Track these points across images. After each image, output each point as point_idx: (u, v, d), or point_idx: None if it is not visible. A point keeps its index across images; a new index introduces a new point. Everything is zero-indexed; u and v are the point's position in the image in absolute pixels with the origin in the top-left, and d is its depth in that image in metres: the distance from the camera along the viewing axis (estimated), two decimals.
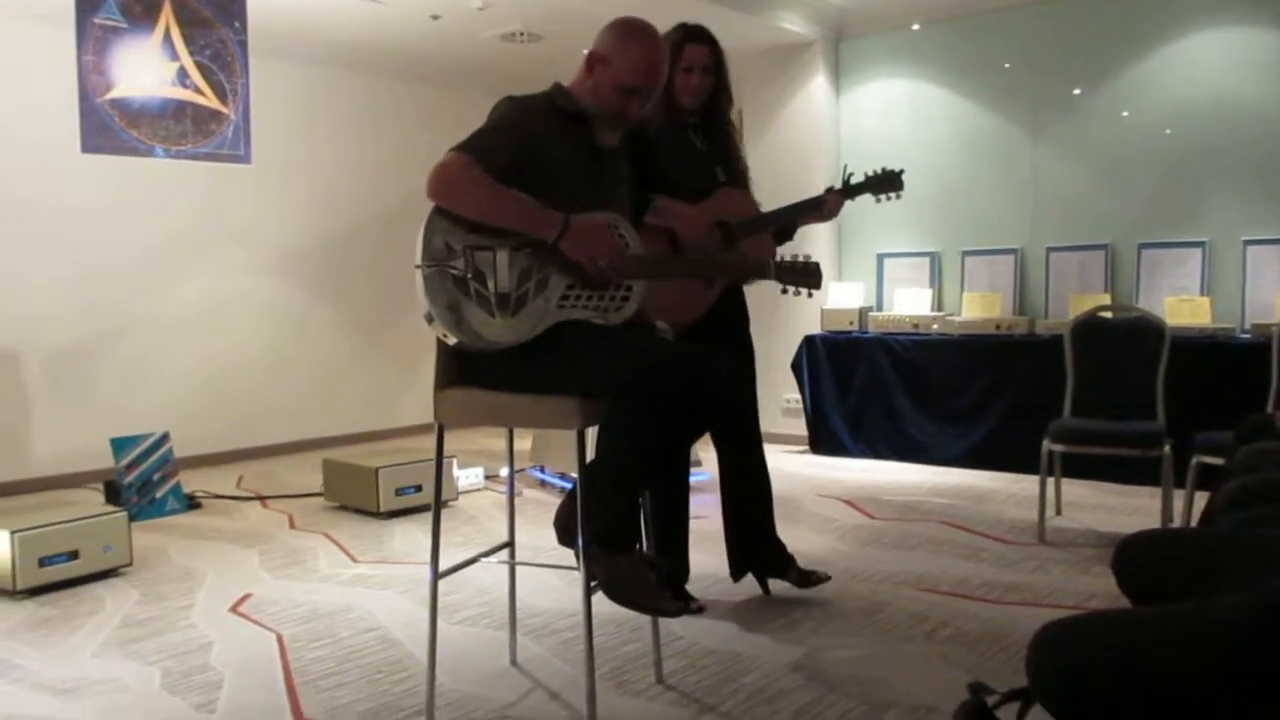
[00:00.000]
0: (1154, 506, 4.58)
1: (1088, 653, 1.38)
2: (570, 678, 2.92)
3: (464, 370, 2.52)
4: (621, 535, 2.38)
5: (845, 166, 3.68)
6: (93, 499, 5.31)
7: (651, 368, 2.30)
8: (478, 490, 5.57)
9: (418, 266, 2.34)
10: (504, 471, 5.88)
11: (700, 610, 3.45)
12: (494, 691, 2.84)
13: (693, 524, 4.67)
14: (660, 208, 2.98)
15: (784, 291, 2.91)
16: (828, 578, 3.61)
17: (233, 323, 6.82)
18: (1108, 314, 4.79)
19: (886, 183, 3.62)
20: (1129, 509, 4.86)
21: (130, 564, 4.11)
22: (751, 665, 2.99)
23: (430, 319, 2.35)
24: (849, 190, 3.57)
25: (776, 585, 3.65)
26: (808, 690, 2.80)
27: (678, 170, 3.24)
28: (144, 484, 5.15)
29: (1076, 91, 6.00)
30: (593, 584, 2.39)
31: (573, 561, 2.52)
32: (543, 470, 5.69)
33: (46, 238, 5.92)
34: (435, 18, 6.08)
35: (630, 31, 2.50)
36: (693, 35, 3.30)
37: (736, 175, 3.46)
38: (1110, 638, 1.41)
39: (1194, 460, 3.97)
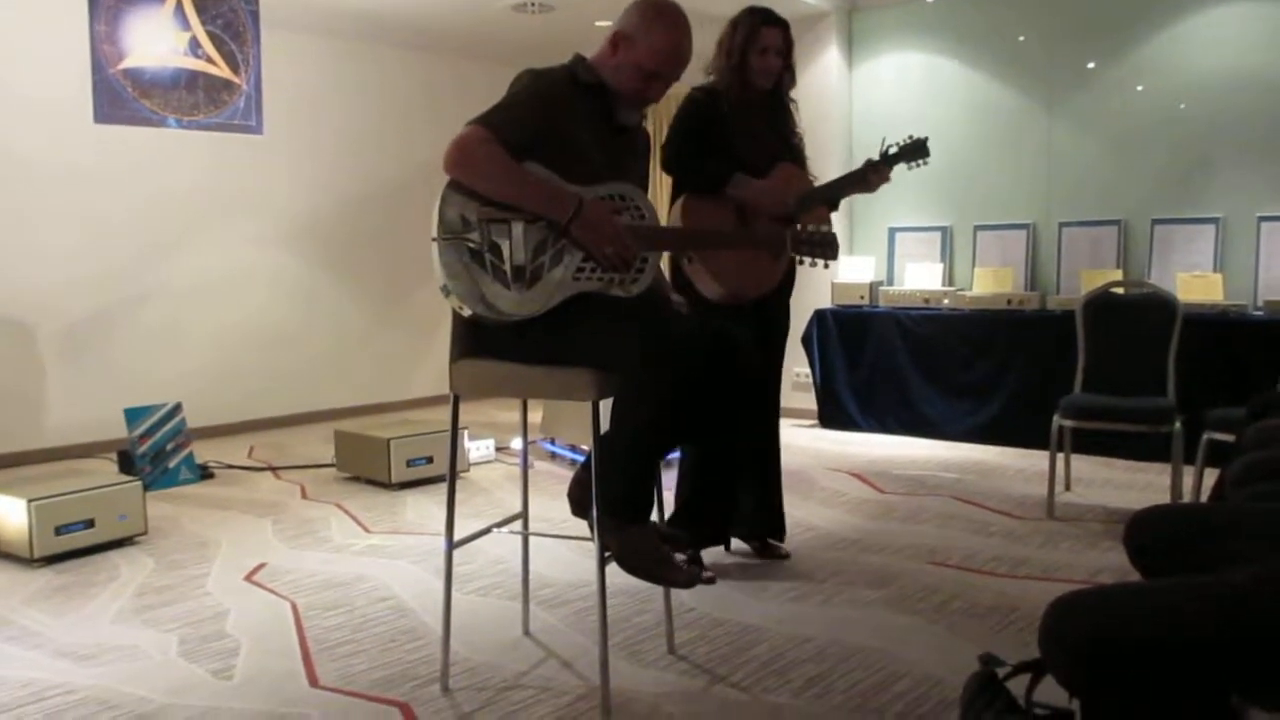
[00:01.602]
0: (1163, 483, 4.60)
1: (1101, 625, 1.40)
2: (583, 647, 2.95)
3: (479, 341, 2.53)
4: (635, 507, 2.40)
5: (884, 139, 3.75)
6: (106, 469, 5.35)
7: (667, 341, 2.31)
8: (489, 462, 5.59)
9: (434, 239, 2.35)
10: (515, 443, 5.92)
11: (711, 580, 3.46)
12: (507, 660, 2.87)
13: None
14: (738, 180, 3.31)
15: (800, 263, 2.96)
16: (787, 555, 3.71)
17: (245, 293, 6.83)
18: (1120, 290, 4.78)
19: (915, 150, 3.71)
20: (1139, 485, 4.87)
21: (145, 533, 4.15)
22: (762, 636, 3.02)
23: (446, 291, 2.36)
24: (887, 160, 3.65)
25: (795, 555, 3.74)
26: (818, 662, 2.83)
27: (748, 145, 3.41)
28: (157, 454, 5.19)
29: (1091, 65, 5.96)
30: (606, 555, 2.41)
31: (586, 533, 2.54)
32: (553, 442, 5.71)
33: (60, 208, 5.93)
34: None
35: (658, 15, 2.48)
36: (768, 19, 3.43)
37: (795, 151, 3.59)
38: (1124, 610, 1.43)
39: (1204, 437, 3.98)
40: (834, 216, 3.65)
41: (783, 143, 3.55)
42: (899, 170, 3.70)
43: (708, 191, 3.35)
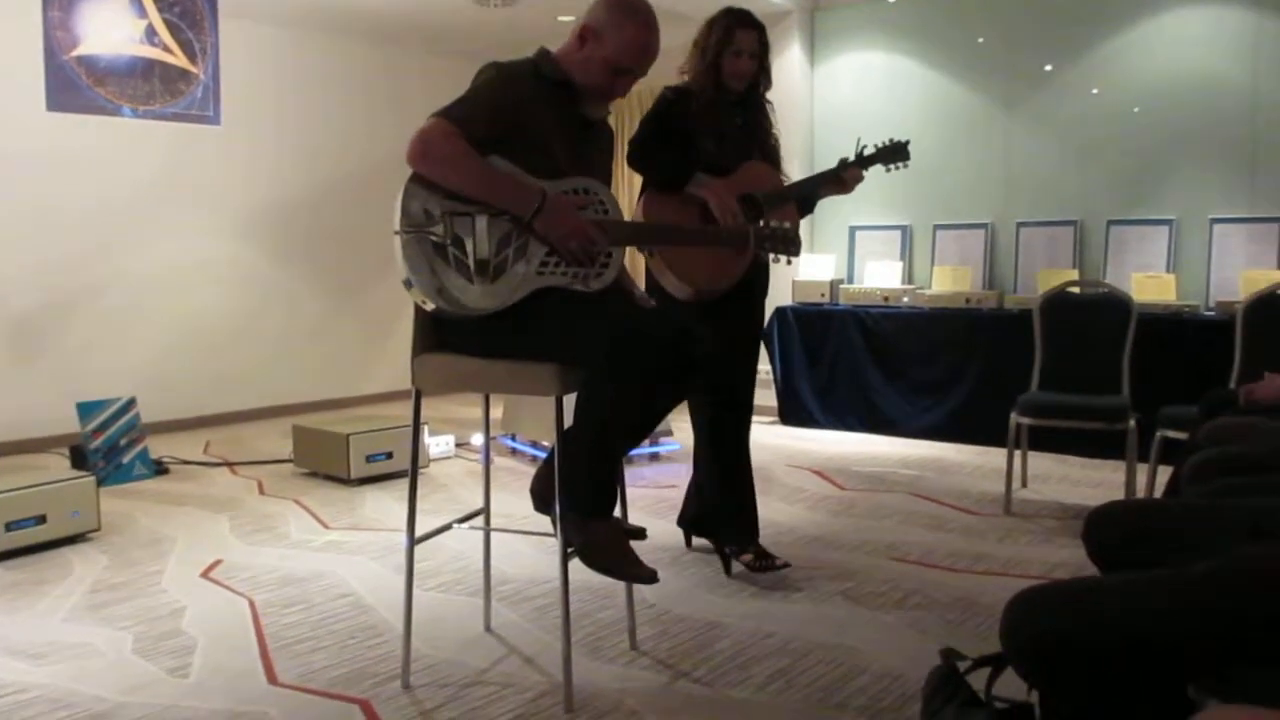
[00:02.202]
0: (1118, 480, 4.66)
1: (1062, 618, 1.42)
2: (545, 643, 2.94)
3: (442, 336, 2.51)
4: (598, 502, 2.40)
5: (859, 139, 3.76)
6: (59, 464, 5.25)
7: (630, 335, 2.30)
8: (448, 458, 5.56)
9: (396, 232, 2.33)
10: (475, 439, 5.89)
11: (785, 565, 3.49)
12: (469, 657, 2.86)
13: (661, 493, 4.72)
14: (697, 179, 3.28)
15: (760, 257, 2.96)
16: (787, 564, 3.51)
17: (201, 286, 6.74)
18: (1076, 289, 4.85)
19: (895, 153, 3.73)
20: (1093, 481, 4.94)
21: (99, 529, 4.08)
22: (724, 632, 3.02)
23: (409, 285, 2.34)
24: (862, 161, 3.66)
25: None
26: (780, 657, 2.84)
27: (716, 145, 3.40)
28: (111, 449, 5.10)
29: (1048, 68, 6.03)
30: (569, 550, 2.40)
31: (549, 528, 2.54)
32: (514, 439, 5.69)
33: (11, 197, 5.80)
34: None
35: (627, 10, 2.48)
36: (743, 20, 3.42)
37: (769, 151, 3.57)
38: (1084, 604, 1.45)
39: (1158, 434, 4.05)
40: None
41: (756, 144, 3.53)
42: (893, 168, 3.74)
43: (669, 189, 3.35)
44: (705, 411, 3.60)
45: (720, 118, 3.44)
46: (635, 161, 3.43)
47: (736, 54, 3.39)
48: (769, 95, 3.61)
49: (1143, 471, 4.20)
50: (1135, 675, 1.39)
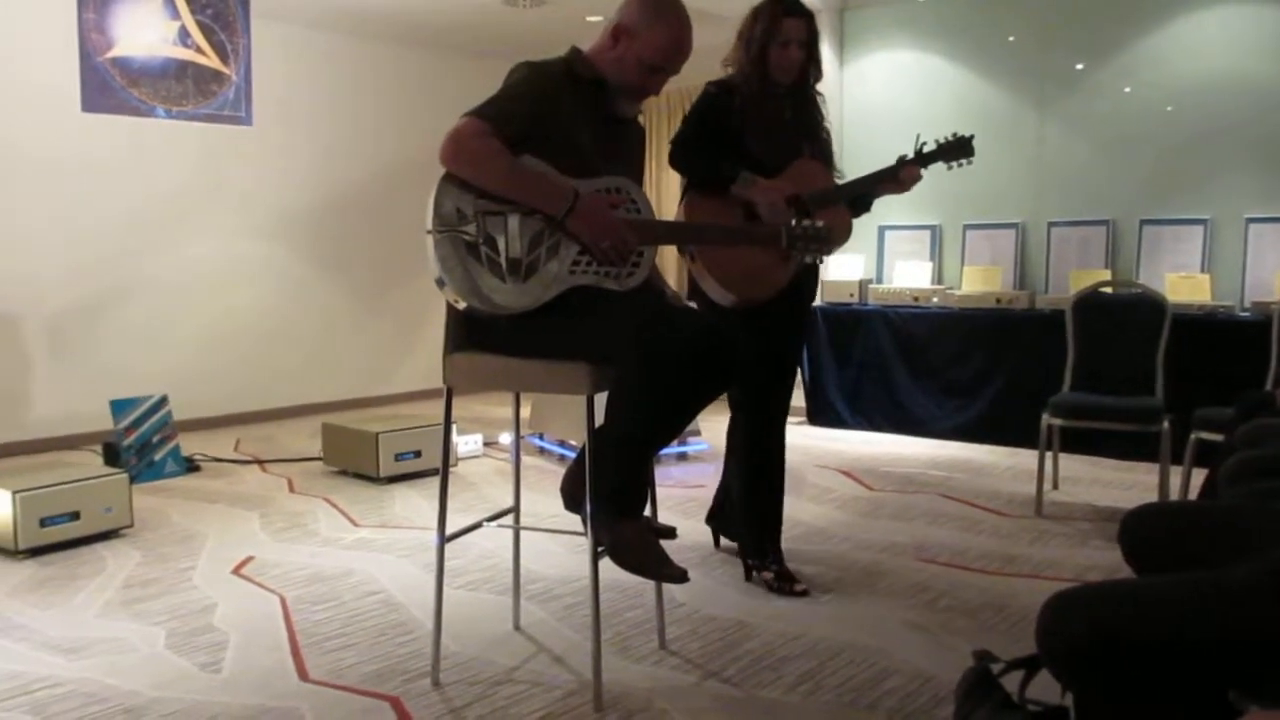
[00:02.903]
0: (1151, 482, 4.62)
1: (1099, 621, 1.40)
2: (573, 642, 2.94)
3: (474, 335, 2.52)
4: (628, 501, 2.40)
5: (918, 136, 3.58)
6: (92, 460, 5.31)
7: (662, 334, 2.30)
8: (476, 457, 5.58)
9: (429, 231, 2.34)
10: (503, 438, 5.91)
11: (804, 593, 3.33)
12: (498, 655, 2.86)
13: (690, 492, 4.72)
14: (743, 179, 3.12)
15: (791, 257, 2.87)
16: (806, 591, 3.35)
17: (233, 286, 6.80)
18: (1109, 290, 4.80)
19: (958, 149, 3.53)
20: (1126, 484, 4.89)
21: (131, 525, 4.12)
22: (753, 632, 3.01)
23: (441, 284, 2.35)
24: (921, 159, 3.48)
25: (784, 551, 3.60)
26: (809, 658, 2.83)
27: (763, 143, 3.24)
28: (143, 446, 5.15)
29: (1080, 67, 5.98)
30: (599, 549, 2.40)
31: (578, 527, 2.54)
32: (542, 437, 5.70)
33: (46, 197, 5.88)
34: None
35: (660, 9, 2.48)
36: (791, 8, 3.25)
37: (821, 145, 3.41)
38: (1122, 606, 1.43)
39: (1192, 436, 4.00)
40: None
41: (806, 139, 3.35)
42: (955, 165, 3.54)
43: (713, 190, 3.19)
44: (737, 418, 3.50)
45: (767, 113, 3.28)
46: (676, 161, 3.29)
47: (784, 44, 3.21)
48: (819, 88, 3.41)
49: (1176, 474, 4.15)
50: (1173, 679, 1.37)
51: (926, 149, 3.50)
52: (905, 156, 3.46)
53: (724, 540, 3.79)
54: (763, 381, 3.41)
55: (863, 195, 3.47)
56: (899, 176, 3.42)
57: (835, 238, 3.26)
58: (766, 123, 3.27)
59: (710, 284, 3.17)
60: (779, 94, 3.30)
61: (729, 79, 3.32)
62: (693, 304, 3.13)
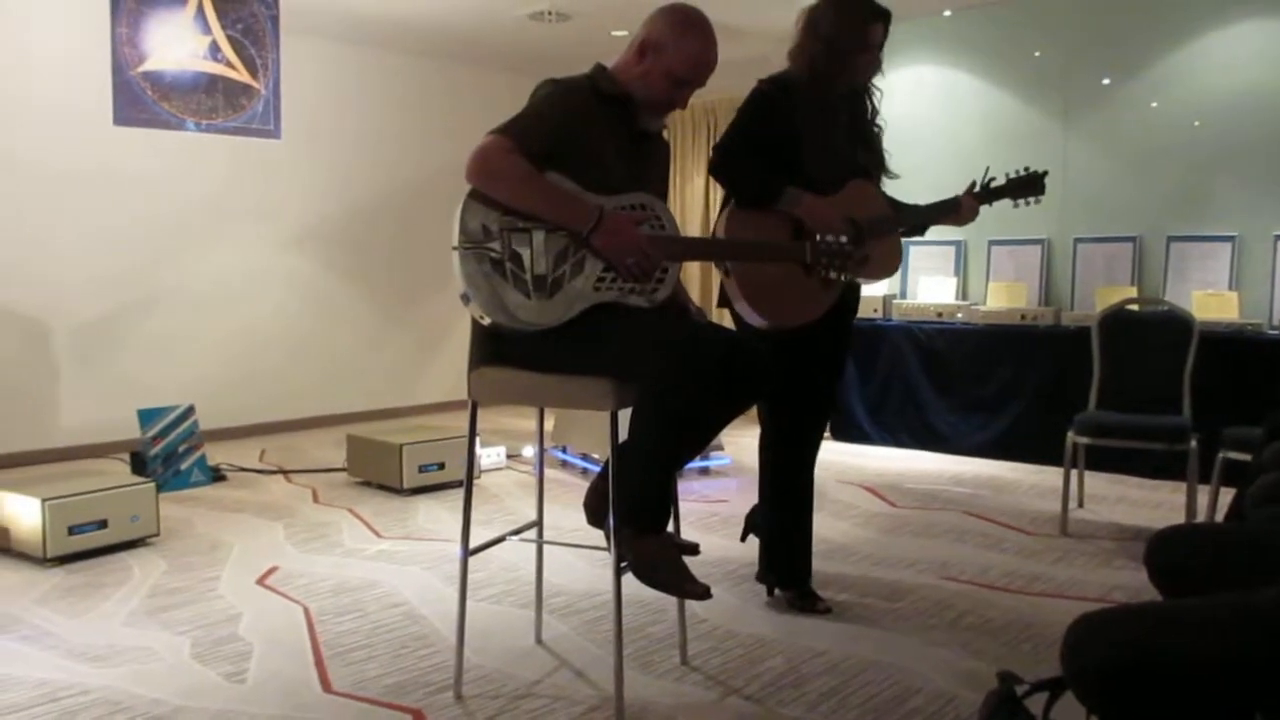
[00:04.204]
0: (1178, 501, 4.58)
1: (1126, 643, 1.40)
2: (595, 656, 2.95)
3: (498, 350, 2.53)
4: (652, 517, 2.40)
5: (987, 169, 3.41)
6: (119, 469, 5.36)
7: (686, 350, 2.30)
8: (499, 469, 5.59)
9: (454, 248, 2.36)
10: (526, 451, 5.92)
11: (827, 611, 3.29)
12: (520, 669, 2.87)
13: (713, 508, 4.71)
14: (790, 195, 2.96)
15: (821, 275, 2.75)
16: (828, 609, 3.31)
17: (259, 297, 6.86)
18: (1135, 307, 4.77)
19: (1028, 185, 3.37)
20: (1152, 503, 4.85)
21: (158, 534, 4.15)
22: (775, 649, 3.01)
23: (467, 299, 2.36)
24: (987, 195, 3.34)
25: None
26: (832, 676, 2.82)
27: (819, 156, 3.04)
28: (169, 455, 5.20)
29: (1106, 81, 5.96)
30: (622, 565, 2.40)
31: (601, 541, 2.54)
32: (565, 451, 5.71)
33: (78, 209, 5.96)
34: None
35: (687, 23, 2.49)
36: (880, 13, 3.07)
37: (876, 157, 3.24)
38: (1149, 629, 1.42)
39: (1220, 455, 3.97)
40: None
41: (862, 145, 3.18)
42: (1023, 203, 3.37)
43: (757, 204, 2.98)
44: (767, 438, 3.34)
45: (825, 120, 3.07)
46: (720, 170, 3.06)
47: (867, 49, 3.04)
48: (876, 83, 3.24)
49: (1204, 493, 4.12)
50: (1200, 703, 1.36)
51: (995, 184, 3.33)
52: (973, 187, 3.32)
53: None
54: (794, 414, 3.27)
55: (919, 225, 3.35)
56: (959, 210, 3.31)
57: (885, 268, 3.23)
58: (824, 132, 3.07)
59: (741, 305, 2.98)
60: (837, 95, 3.12)
61: (787, 76, 3.09)
62: (726, 319, 3.07)
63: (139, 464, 5.20)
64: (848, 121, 3.17)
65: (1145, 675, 1.35)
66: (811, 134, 3.04)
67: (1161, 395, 4.39)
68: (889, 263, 3.24)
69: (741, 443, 5.82)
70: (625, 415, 2.40)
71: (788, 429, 3.30)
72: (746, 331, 3.06)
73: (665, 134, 2.78)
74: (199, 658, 2.96)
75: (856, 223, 3.04)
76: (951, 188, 3.54)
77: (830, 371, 3.33)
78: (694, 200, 8.06)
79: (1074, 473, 4.52)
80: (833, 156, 3.09)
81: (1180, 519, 4.29)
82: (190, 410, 5.34)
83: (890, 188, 3.35)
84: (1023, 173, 3.39)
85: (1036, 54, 6.20)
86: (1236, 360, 5.01)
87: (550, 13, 6.47)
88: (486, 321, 2.41)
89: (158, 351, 6.33)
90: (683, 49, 2.47)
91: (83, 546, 3.91)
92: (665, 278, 2.49)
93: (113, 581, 3.68)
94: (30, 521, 3.85)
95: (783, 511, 3.35)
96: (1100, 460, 5.00)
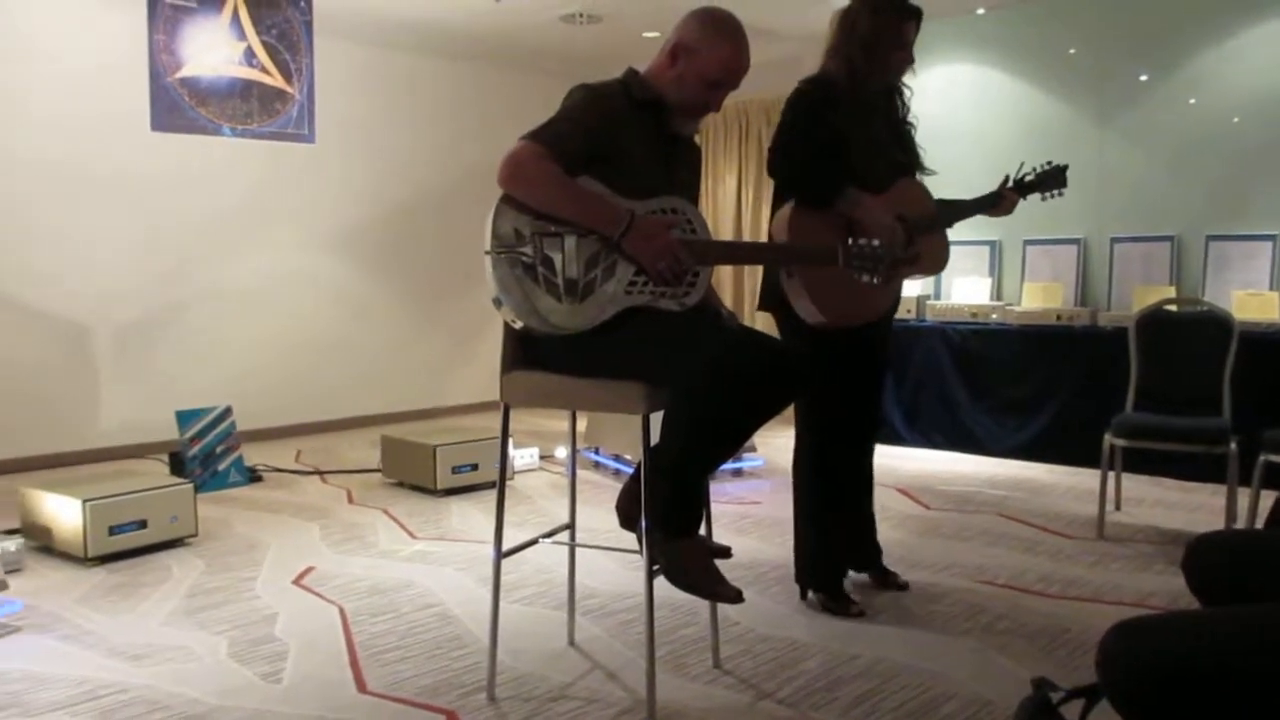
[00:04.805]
0: (1217, 504, 4.52)
1: (1163, 652, 1.38)
2: (628, 659, 2.95)
3: (530, 353, 2.54)
4: (683, 521, 2.40)
5: (1021, 164, 3.58)
6: (158, 470, 5.43)
7: (717, 354, 2.30)
8: (532, 470, 5.61)
9: (486, 252, 2.37)
10: (559, 452, 5.94)
11: (860, 614, 3.30)
12: (553, 671, 2.88)
13: (746, 509, 4.70)
14: (851, 195, 3.02)
15: (854, 278, 2.76)
16: (862, 612, 3.31)
17: (295, 299, 6.93)
18: (1173, 307, 4.71)
19: (1054, 179, 3.55)
20: (1191, 506, 4.79)
21: (196, 534, 4.21)
22: (808, 653, 3.00)
23: (499, 303, 2.38)
24: (1022, 188, 3.49)
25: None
26: (865, 680, 2.81)
27: (864, 156, 3.11)
28: (207, 456, 5.26)
29: (1143, 78, 5.89)
30: (654, 568, 2.41)
31: (633, 545, 2.54)
32: (597, 452, 5.72)
33: (116, 214, 6.05)
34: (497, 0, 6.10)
35: (719, 26, 2.51)
36: (911, 12, 3.16)
37: (910, 155, 3.32)
38: (1186, 638, 1.40)
39: (1261, 458, 3.91)
40: None
41: (898, 145, 3.27)
42: (1049, 196, 3.53)
43: (822, 203, 3.03)
44: (807, 441, 3.34)
45: (869, 120, 3.16)
46: (780, 170, 3.10)
47: (902, 47, 3.13)
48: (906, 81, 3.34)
49: (1244, 496, 4.06)
50: (1237, 715, 1.34)
51: (1028, 178, 3.50)
52: (1007, 181, 3.47)
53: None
54: (842, 406, 3.30)
55: (958, 220, 3.43)
56: (999, 204, 3.45)
57: (935, 264, 3.37)
58: (867, 131, 3.14)
59: (804, 303, 3.01)
60: (876, 95, 3.20)
61: (826, 76, 3.15)
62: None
63: (178, 465, 5.26)
64: (884, 119, 3.24)
65: (1182, 686, 1.33)
66: (856, 133, 3.10)
67: (1200, 397, 4.34)
68: (939, 258, 3.36)
69: (774, 444, 5.81)
70: (657, 419, 2.40)
71: (831, 425, 3.33)
72: (798, 331, 3.11)
73: (697, 137, 2.78)
74: (236, 657, 3.00)
75: (907, 221, 3.13)
76: (980, 187, 3.68)
77: (881, 365, 3.45)
78: (726, 202, 8.05)
79: (1111, 475, 4.47)
80: (878, 154, 3.18)
81: (1220, 522, 4.24)
82: (228, 411, 5.40)
83: (926, 184, 3.43)
84: (1047, 166, 3.59)
85: (1071, 51, 6.13)
86: (1278, 361, 4.94)
87: (581, 15, 6.48)
88: (518, 325, 2.42)
89: (195, 353, 6.41)
90: (716, 51, 2.48)
91: (123, 546, 3.97)
92: (697, 281, 2.49)
93: (152, 581, 3.73)
94: (72, 522, 3.92)
95: (822, 512, 3.36)
96: (1138, 462, 4.94)
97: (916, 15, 3.18)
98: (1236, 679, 1.32)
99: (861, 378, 3.35)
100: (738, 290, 7.88)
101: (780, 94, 3.25)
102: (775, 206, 3.15)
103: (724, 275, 7.81)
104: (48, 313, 5.84)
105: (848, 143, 3.08)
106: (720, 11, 2.54)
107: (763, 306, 3.31)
